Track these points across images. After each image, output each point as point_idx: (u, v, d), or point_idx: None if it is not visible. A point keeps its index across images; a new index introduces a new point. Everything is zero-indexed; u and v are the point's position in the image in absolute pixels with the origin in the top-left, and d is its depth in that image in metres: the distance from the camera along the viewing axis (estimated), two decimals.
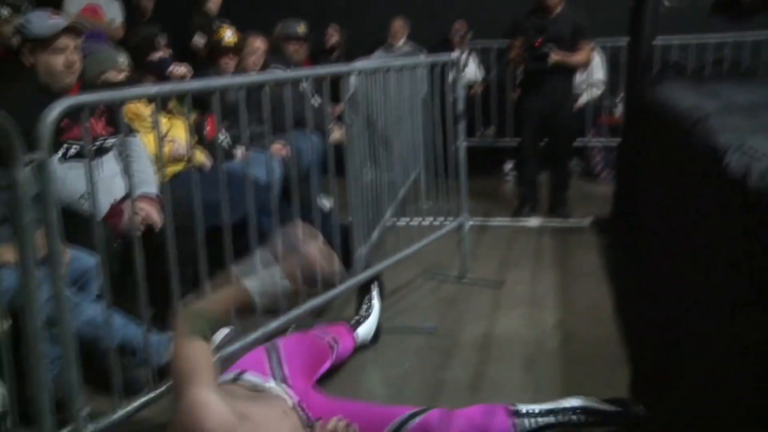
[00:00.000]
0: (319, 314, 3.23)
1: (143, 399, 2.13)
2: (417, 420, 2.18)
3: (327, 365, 2.66)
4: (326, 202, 4.04)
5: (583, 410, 2.33)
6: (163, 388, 2.16)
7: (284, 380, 2.24)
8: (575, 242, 4.49)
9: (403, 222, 3.54)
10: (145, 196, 2.89)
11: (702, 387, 1.91)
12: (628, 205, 4.01)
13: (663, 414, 2.27)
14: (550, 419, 2.30)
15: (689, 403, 2.03)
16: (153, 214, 2.89)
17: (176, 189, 2.46)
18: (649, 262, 3.00)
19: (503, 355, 2.97)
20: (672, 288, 2.40)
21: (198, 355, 1.78)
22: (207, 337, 1.83)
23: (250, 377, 2.19)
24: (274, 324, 2.59)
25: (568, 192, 5.12)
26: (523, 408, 2.30)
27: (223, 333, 2.43)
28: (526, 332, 3.24)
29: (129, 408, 2.08)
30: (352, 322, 3.03)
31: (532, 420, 2.26)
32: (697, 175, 2.09)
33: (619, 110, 6.07)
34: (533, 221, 4.98)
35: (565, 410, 2.32)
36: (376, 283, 3.19)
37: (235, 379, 2.17)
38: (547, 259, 4.22)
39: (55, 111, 1.81)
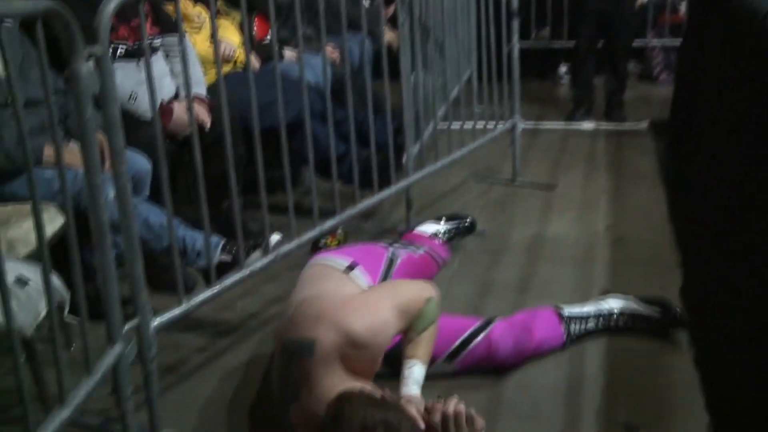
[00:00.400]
0: (368, 216, 3.27)
1: (202, 297, 2.21)
2: (482, 336, 2.22)
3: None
4: None
5: (624, 314, 2.42)
6: (218, 287, 2.23)
7: None
8: (630, 146, 4.41)
9: (455, 125, 3.51)
10: (195, 96, 2.92)
11: (751, 299, 1.90)
12: (687, 108, 3.90)
13: (706, 322, 2.29)
14: (593, 324, 2.39)
15: (734, 315, 2.03)
16: (203, 114, 2.92)
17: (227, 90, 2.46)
18: (707, 167, 2.94)
19: (553, 257, 2.99)
20: (729, 194, 2.36)
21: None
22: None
23: (360, 274, 2.21)
24: (328, 224, 2.63)
25: (624, 95, 4.99)
26: (567, 311, 2.38)
27: (275, 238, 2.48)
28: (577, 234, 3.24)
29: (189, 304, 2.15)
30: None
31: (581, 326, 2.37)
32: (764, 75, 2.01)
33: (683, 7, 5.81)
34: (587, 125, 4.88)
35: (607, 315, 2.41)
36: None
37: (348, 269, 2.20)
38: (601, 162, 4.16)
39: (112, 3, 1.80)
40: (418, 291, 2.01)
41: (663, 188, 3.64)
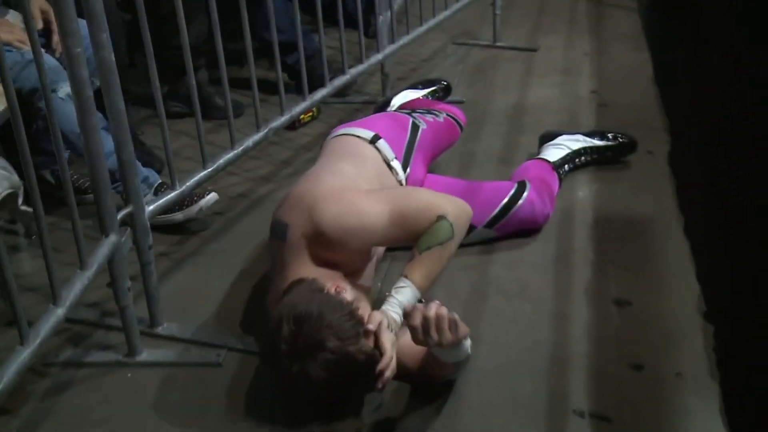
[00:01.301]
0: (342, 93, 3.09)
1: (195, 178, 2.01)
2: (522, 200, 2.16)
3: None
4: None
5: (588, 150, 2.54)
6: (210, 168, 2.05)
7: (406, 166, 2.15)
8: (613, 5, 4.19)
9: None
10: None
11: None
12: None
13: (696, 189, 2.22)
14: (571, 164, 2.51)
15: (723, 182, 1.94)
16: None
17: None
18: (695, 27, 2.79)
19: (536, 125, 2.85)
20: (720, 56, 2.23)
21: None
22: None
23: (384, 146, 2.10)
24: (299, 108, 2.46)
25: None
26: (551, 159, 2.47)
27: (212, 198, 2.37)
28: (561, 100, 3.10)
29: (183, 186, 1.99)
30: None
31: (564, 169, 2.48)
32: None
33: None
34: None
35: (575, 154, 2.52)
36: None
37: (372, 141, 2.09)
38: (583, 24, 3.96)
39: None
40: (433, 205, 1.78)
41: (648, 50, 3.48)
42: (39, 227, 1.50)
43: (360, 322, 1.56)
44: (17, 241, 2.33)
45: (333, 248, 1.74)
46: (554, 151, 2.50)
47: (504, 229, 2.17)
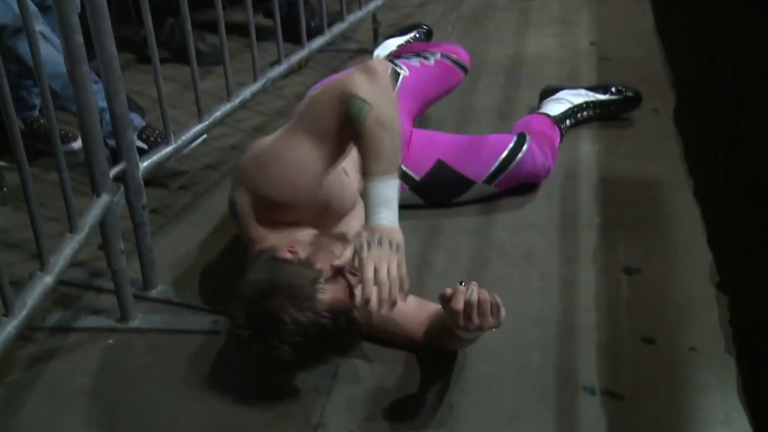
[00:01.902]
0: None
1: (192, 132, 1.91)
2: (522, 153, 2.07)
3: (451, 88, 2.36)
4: None
5: (590, 104, 2.45)
6: (207, 121, 1.94)
7: None
8: None
9: None
10: None
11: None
12: None
13: (702, 143, 2.14)
14: (573, 120, 2.42)
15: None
16: None
17: None
18: None
19: (535, 79, 2.75)
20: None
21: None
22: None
23: None
24: (297, 57, 2.33)
25: None
26: (552, 114, 2.37)
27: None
28: (560, 52, 3.00)
29: (179, 141, 1.88)
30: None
31: (566, 124, 2.39)
32: None
33: None
34: None
35: (577, 108, 2.43)
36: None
37: None
38: None
39: None
40: (327, 94, 1.56)
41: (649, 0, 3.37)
42: (25, 189, 1.40)
43: (318, 276, 1.44)
44: None
45: (280, 208, 1.58)
46: (555, 106, 2.42)
47: (504, 184, 2.09)
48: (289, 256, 1.49)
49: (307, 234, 1.61)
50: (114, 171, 1.67)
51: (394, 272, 1.40)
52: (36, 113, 2.41)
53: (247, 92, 2.11)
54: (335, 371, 1.61)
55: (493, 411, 1.50)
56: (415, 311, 1.62)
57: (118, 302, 1.76)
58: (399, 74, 2.15)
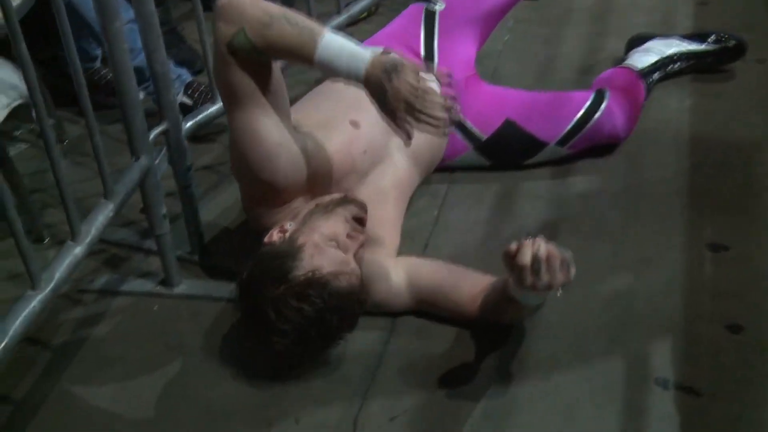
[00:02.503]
0: None
1: None
2: (600, 113, 1.89)
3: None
4: None
5: (683, 55, 2.22)
6: None
7: (431, 65, 1.91)
8: None
9: None
10: None
11: None
12: None
13: None
14: (662, 73, 2.20)
15: None
16: None
17: None
18: None
19: (623, 27, 2.51)
20: None
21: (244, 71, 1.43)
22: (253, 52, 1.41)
23: None
24: (359, 5, 2.18)
25: None
26: (637, 66, 2.16)
27: None
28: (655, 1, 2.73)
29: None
30: None
31: (653, 78, 2.17)
32: None
33: None
34: None
35: (668, 60, 2.20)
36: None
37: None
38: None
39: None
40: (218, 60, 1.44)
41: None
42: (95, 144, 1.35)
43: (296, 253, 1.40)
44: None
45: (271, 190, 1.52)
46: (642, 58, 2.19)
47: (579, 147, 1.91)
48: (275, 238, 1.48)
49: (306, 204, 1.56)
50: (154, 133, 1.59)
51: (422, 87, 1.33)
52: (97, 64, 2.36)
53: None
54: (384, 349, 1.50)
55: (551, 400, 1.37)
56: (468, 282, 1.51)
57: (163, 268, 1.70)
58: (434, 12, 1.98)
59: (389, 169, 1.72)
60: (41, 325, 1.60)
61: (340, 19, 2.11)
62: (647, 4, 2.69)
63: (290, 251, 1.41)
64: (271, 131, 1.47)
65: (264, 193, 1.53)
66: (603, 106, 1.90)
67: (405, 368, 1.46)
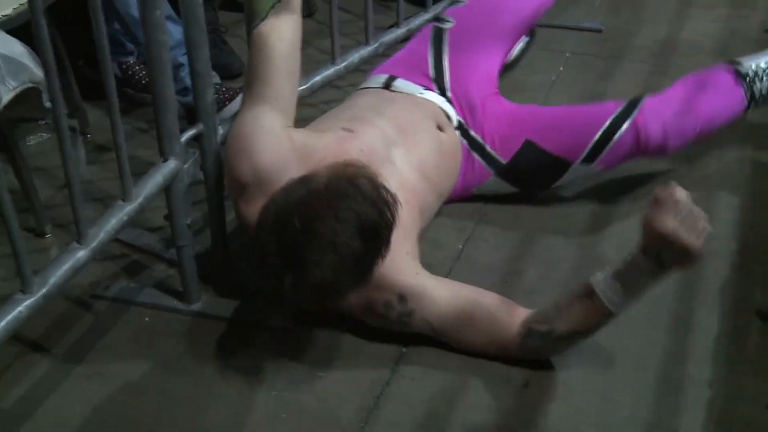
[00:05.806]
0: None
1: None
2: (627, 123, 1.73)
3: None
4: None
5: None
6: (311, 81, 1.86)
7: (441, 82, 1.84)
8: None
9: None
10: None
11: None
12: None
13: None
14: None
15: None
16: None
17: None
18: None
19: (685, 67, 2.39)
20: None
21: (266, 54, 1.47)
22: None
23: (402, 85, 1.80)
24: (419, 20, 2.13)
25: None
26: (747, 64, 1.85)
27: None
28: (722, 39, 2.61)
29: None
30: None
31: (760, 87, 1.84)
32: None
33: None
34: None
35: None
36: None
37: (386, 86, 1.81)
38: None
39: None
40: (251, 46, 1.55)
41: None
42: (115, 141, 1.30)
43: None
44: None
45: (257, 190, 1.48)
46: (759, 57, 1.87)
47: (609, 162, 1.76)
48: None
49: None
50: (187, 135, 1.53)
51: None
52: (132, 59, 2.32)
53: (355, 56, 1.95)
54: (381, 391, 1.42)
55: None
56: (501, 308, 1.42)
57: (181, 282, 1.64)
58: (442, 30, 1.91)
59: (392, 171, 1.56)
60: (41, 330, 1.56)
61: (398, 32, 2.10)
62: (715, 47, 2.57)
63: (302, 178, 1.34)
64: (257, 117, 1.51)
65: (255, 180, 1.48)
66: (633, 113, 1.73)
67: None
